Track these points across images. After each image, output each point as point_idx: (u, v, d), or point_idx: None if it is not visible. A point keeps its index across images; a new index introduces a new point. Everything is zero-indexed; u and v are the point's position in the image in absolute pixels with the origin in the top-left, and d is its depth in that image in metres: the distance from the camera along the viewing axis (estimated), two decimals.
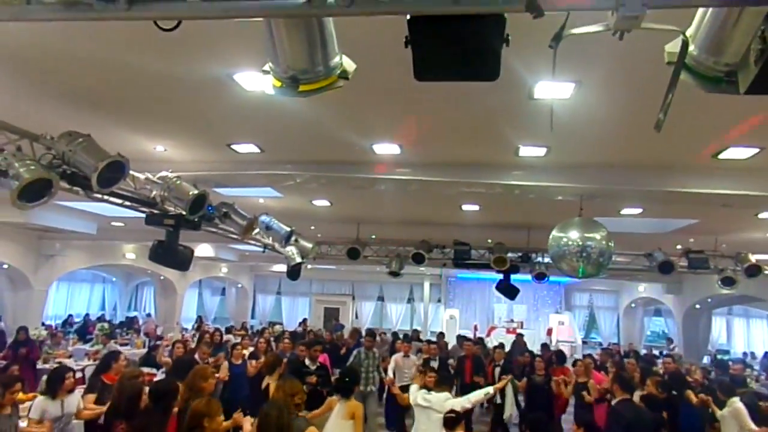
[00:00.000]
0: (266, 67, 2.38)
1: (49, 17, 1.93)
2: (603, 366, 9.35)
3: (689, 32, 2.05)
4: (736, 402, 5.93)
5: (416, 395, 5.39)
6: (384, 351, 10.76)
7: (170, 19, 2.00)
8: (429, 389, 5.46)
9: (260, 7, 1.94)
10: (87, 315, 18.75)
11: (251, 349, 8.38)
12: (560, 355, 9.28)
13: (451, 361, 9.80)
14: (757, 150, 5.05)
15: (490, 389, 5.75)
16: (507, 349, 10.93)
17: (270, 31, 2.14)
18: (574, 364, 8.15)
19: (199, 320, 19.93)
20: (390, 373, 8.35)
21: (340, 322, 20.03)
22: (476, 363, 8.96)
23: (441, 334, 13.58)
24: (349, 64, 2.40)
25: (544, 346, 11.31)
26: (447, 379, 5.56)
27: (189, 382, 4.61)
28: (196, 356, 7.36)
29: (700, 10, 2.01)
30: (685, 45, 1.97)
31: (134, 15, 1.89)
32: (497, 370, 8.69)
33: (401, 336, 12.82)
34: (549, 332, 19.07)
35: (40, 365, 9.63)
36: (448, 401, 5.13)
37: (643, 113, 4.05)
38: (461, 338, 11.73)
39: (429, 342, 10.73)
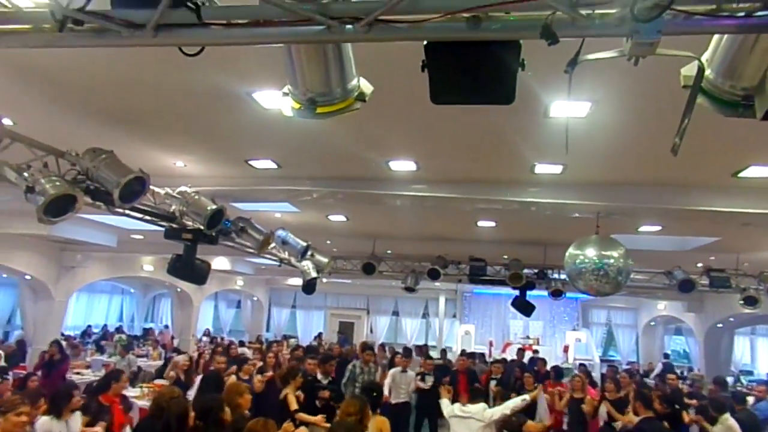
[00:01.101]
0: (285, 90, 2.44)
1: (81, 44, 2.00)
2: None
3: (705, 56, 2.04)
4: (728, 419, 5.91)
5: (452, 408, 5.50)
6: (383, 365, 10.63)
7: (194, 45, 2.06)
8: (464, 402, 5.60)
9: (281, 34, 1.99)
10: (105, 326, 18.99)
11: (260, 364, 8.38)
12: (558, 371, 9.35)
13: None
14: None
15: (527, 397, 5.79)
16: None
17: (289, 55, 2.19)
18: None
19: (208, 333, 20.01)
20: (386, 390, 8.23)
21: (344, 336, 19.89)
22: (470, 376, 8.88)
23: (425, 347, 13.57)
24: (367, 87, 2.44)
25: (541, 361, 11.26)
26: (480, 393, 5.65)
27: (226, 398, 4.51)
28: (213, 367, 7.41)
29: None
30: (700, 71, 1.96)
31: (160, 41, 1.95)
32: (492, 383, 8.82)
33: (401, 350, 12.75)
34: (566, 349, 18.75)
35: None
36: (486, 411, 5.25)
37: (661, 131, 4.02)
38: (463, 354, 11.84)
39: (426, 357, 10.65)
